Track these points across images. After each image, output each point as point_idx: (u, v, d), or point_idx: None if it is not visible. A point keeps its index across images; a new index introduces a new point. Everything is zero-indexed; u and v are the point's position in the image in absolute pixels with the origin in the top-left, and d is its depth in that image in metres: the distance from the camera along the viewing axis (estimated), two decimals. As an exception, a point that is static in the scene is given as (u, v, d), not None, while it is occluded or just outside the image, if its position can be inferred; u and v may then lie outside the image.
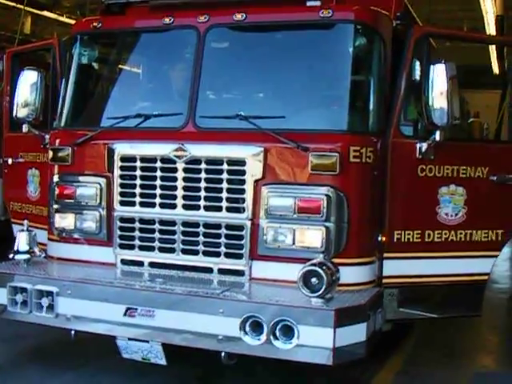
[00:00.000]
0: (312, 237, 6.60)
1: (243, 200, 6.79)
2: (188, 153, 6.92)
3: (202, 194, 6.90)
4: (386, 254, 7.04)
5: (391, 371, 7.93)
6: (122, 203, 7.27)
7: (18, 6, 20.65)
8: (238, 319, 6.01)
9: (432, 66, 6.77)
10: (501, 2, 19.41)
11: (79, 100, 8.17)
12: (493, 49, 21.81)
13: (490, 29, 21.36)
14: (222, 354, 6.15)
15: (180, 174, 6.97)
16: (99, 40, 8.24)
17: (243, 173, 6.76)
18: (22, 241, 7.41)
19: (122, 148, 7.27)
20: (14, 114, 8.08)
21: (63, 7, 25.37)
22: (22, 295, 6.86)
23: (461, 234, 7.33)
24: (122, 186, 7.27)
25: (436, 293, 7.43)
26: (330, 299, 5.99)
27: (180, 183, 6.98)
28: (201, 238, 6.94)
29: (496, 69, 24.18)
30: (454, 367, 8.05)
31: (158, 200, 7.09)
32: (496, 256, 7.62)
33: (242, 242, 6.80)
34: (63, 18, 25.40)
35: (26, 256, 7.37)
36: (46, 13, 24.61)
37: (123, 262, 7.33)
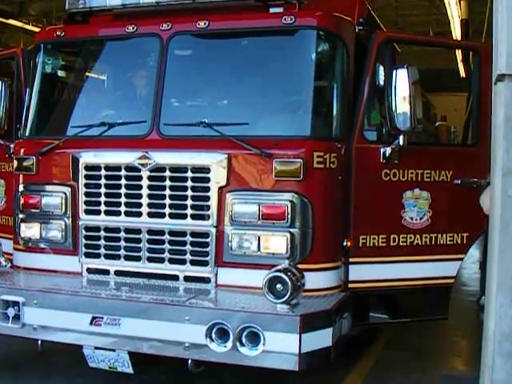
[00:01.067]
0: (277, 243, 6.61)
1: (208, 207, 6.79)
2: (152, 161, 6.91)
3: (167, 201, 6.89)
4: (351, 259, 7.06)
5: (360, 374, 7.95)
6: (87, 212, 7.24)
7: (-16, 15, 20.56)
8: (204, 326, 6.00)
9: (394, 71, 6.80)
10: (466, 6, 19.55)
11: (44, 109, 8.15)
12: (459, 52, 21.96)
13: (457, 33, 21.52)
14: (189, 362, 6.17)
15: (145, 182, 6.96)
16: (63, 49, 8.22)
17: (207, 180, 6.77)
18: (-13, 251, 7.37)
19: (87, 157, 7.25)
20: (-22, 124, 8.04)
21: (29, 15, 25.20)
22: (-12, 306, 6.81)
23: (426, 237, 7.38)
24: (86, 194, 7.24)
25: (402, 297, 7.47)
26: (296, 305, 6.01)
27: (145, 191, 6.97)
28: (166, 246, 6.93)
29: (462, 72, 24.37)
30: (422, 370, 8.09)
31: (123, 208, 7.07)
32: (461, 259, 7.68)
33: (208, 249, 6.80)
34: (29, 27, 25.23)
35: (-9, 266, 7.32)
36: (12, 21, 24.45)
37: (89, 270, 7.31)
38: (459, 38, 19.99)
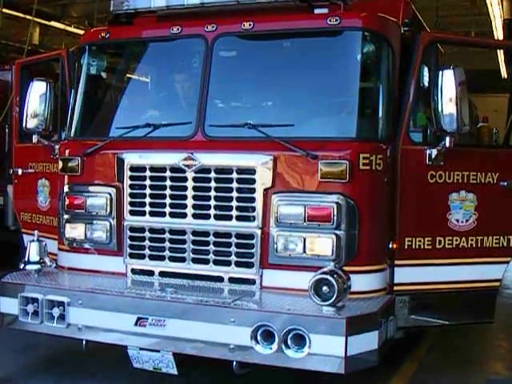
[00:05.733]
0: (322, 245, 6.58)
1: (253, 209, 6.78)
2: (197, 162, 6.92)
3: (212, 203, 6.89)
4: (397, 261, 7.02)
5: (404, 378, 7.92)
6: (132, 213, 7.27)
7: (27, 16, 20.72)
8: (250, 328, 6.00)
9: (440, 72, 6.76)
10: (508, 6, 19.37)
11: (88, 110, 8.20)
12: (501, 53, 21.77)
13: (498, 33, 21.33)
14: (234, 363, 6.15)
15: (190, 184, 6.97)
16: (108, 50, 8.27)
17: (253, 181, 6.75)
18: (32, 251, 7.40)
19: (132, 158, 7.28)
20: (23, 125, 8.13)
21: (71, 17, 25.40)
22: (33, 305, 6.86)
23: (472, 240, 7.31)
24: (131, 195, 7.27)
25: (448, 299, 7.37)
26: (342, 307, 5.96)
27: (190, 192, 6.98)
28: (211, 247, 6.93)
29: (504, 73, 24.14)
30: (466, 373, 8.04)
31: (167, 209, 7.09)
32: (507, 262, 7.59)
33: (253, 251, 6.79)
34: (71, 28, 25.48)
35: (37, 266, 7.36)
36: (54, 23, 24.70)
37: (133, 271, 7.34)
38: (501, 39, 19.82)
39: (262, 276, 6.80)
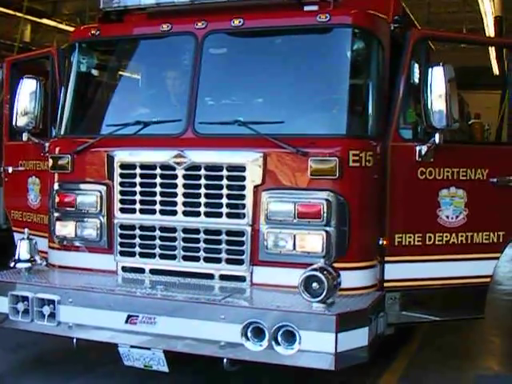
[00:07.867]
0: (313, 242, 6.58)
1: (243, 206, 6.77)
2: (188, 159, 6.91)
3: (202, 200, 6.89)
4: (387, 258, 7.02)
5: (395, 374, 7.92)
6: (123, 210, 7.27)
7: (18, 14, 20.69)
8: (240, 325, 5.99)
9: (430, 69, 6.77)
10: (500, 3, 19.40)
11: (78, 108, 8.18)
12: (492, 50, 21.80)
13: (490, 30, 21.36)
14: (224, 361, 6.15)
15: (180, 181, 6.96)
16: (98, 48, 8.24)
17: (243, 178, 6.75)
18: (22, 249, 7.39)
19: (122, 155, 7.27)
20: (13, 123, 8.09)
21: (62, 15, 25.43)
22: (24, 304, 6.85)
23: (462, 236, 7.32)
24: (122, 193, 7.26)
25: (438, 296, 7.40)
26: (332, 304, 5.97)
27: (180, 190, 6.97)
28: (201, 245, 6.93)
29: (496, 69, 24.18)
30: (457, 369, 8.05)
31: (158, 207, 7.08)
32: (497, 258, 7.61)
33: (243, 248, 6.79)
34: (63, 26, 25.49)
35: (27, 264, 7.35)
36: (45, 20, 24.68)
37: (124, 269, 7.32)
38: (492, 35, 19.86)
39: (252, 273, 6.80)
